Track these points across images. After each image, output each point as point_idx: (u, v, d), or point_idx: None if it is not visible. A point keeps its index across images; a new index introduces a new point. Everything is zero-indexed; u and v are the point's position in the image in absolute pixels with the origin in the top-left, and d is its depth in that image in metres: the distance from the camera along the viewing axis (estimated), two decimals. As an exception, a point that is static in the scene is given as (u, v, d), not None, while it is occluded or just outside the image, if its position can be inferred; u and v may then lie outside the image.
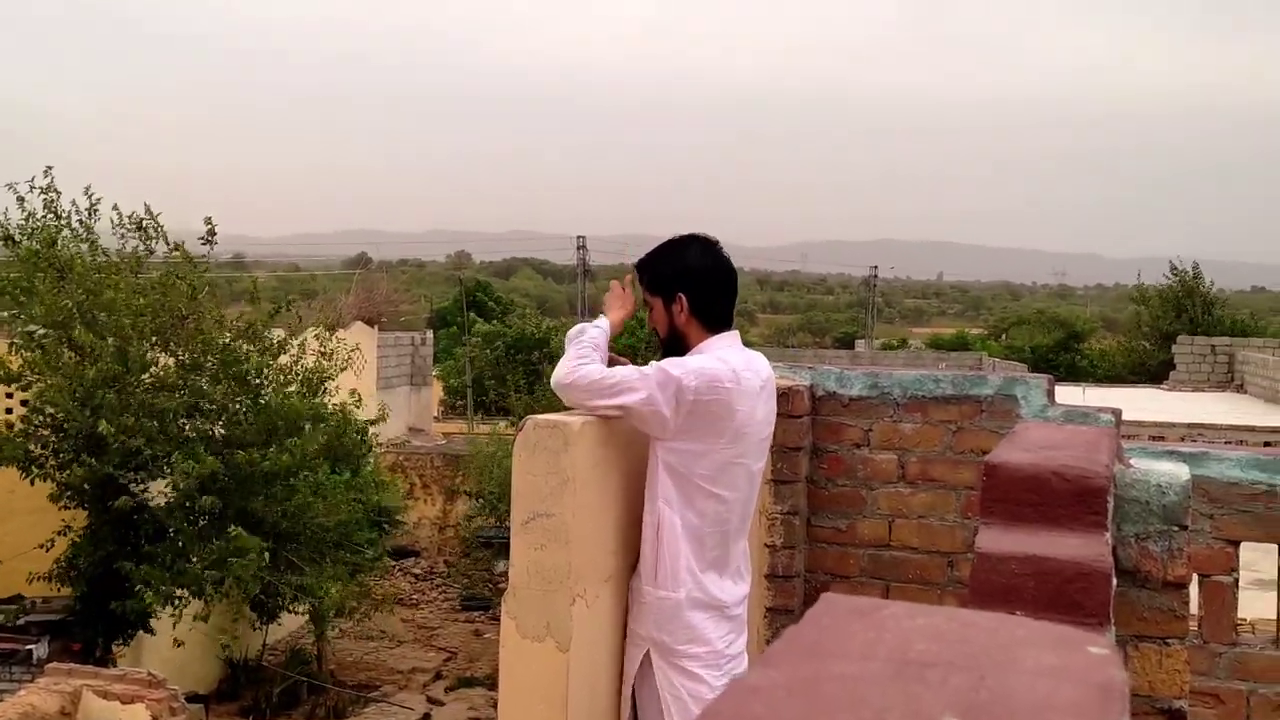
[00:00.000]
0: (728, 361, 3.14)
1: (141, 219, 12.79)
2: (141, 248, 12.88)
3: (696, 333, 3.26)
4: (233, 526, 11.26)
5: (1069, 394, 12.46)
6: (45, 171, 12.58)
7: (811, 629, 0.84)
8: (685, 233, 3.39)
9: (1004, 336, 48.51)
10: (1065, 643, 0.82)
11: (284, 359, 12.98)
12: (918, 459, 4.23)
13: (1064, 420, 3.87)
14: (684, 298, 3.24)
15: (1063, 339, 40.18)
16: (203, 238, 12.93)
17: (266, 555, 11.45)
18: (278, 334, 13.19)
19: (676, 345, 3.28)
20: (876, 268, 58.43)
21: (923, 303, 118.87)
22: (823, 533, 4.34)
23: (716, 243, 3.37)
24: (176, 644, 11.67)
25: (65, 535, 12.23)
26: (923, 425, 4.23)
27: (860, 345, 41.20)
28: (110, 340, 11.44)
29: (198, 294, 12.47)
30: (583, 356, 3.15)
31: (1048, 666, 0.76)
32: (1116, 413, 3.89)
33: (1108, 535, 1.99)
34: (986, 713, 0.67)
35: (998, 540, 1.90)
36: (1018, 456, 2.13)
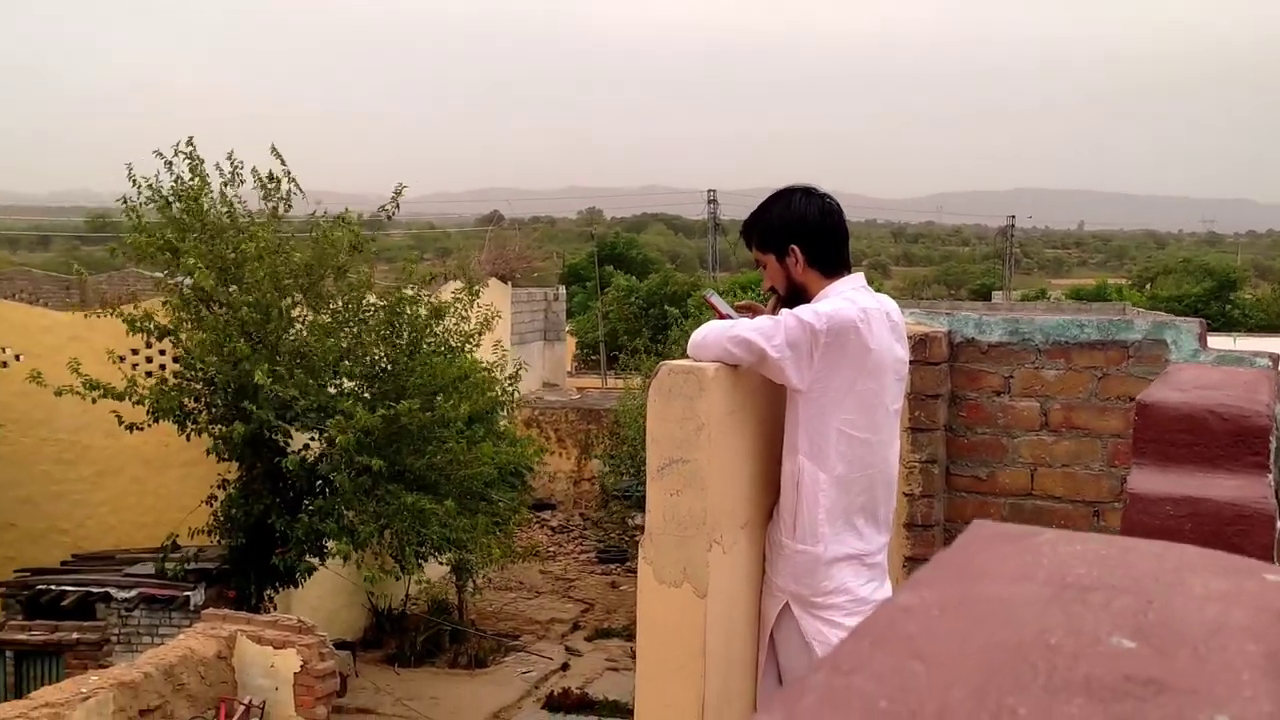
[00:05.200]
0: (856, 301, 3.10)
1: (273, 173, 13.29)
2: (281, 206, 13.36)
3: (816, 281, 3.22)
4: (395, 485, 11.76)
5: (1220, 344, 11.93)
6: (188, 140, 13.03)
7: (961, 554, 0.81)
8: (782, 186, 3.33)
9: (1148, 286, 46.87)
10: (1238, 569, 0.77)
11: (428, 309, 13.41)
12: (1061, 406, 4.11)
13: (1217, 364, 3.71)
14: (797, 249, 3.21)
15: (1212, 288, 38.59)
16: (386, 208, 13.85)
17: (456, 516, 12.04)
18: (431, 295, 13.71)
19: (798, 299, 3.23)
20: (1014, 217, 56.93)
21: (1062, 253, 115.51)
22: (962, 481, 4.26)
23: (816, 189, 3.32)
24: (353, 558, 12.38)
25: (223, 489, 12.74)
26: (1066, 372, 4.10)
27: (997, 297, 40.17)
28: (251, 295, 11.84)
29: (362, 249, 13.14)
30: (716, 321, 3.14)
31: (1218, 591, 0.72)
32: (1275, 357, 3.72)
33: (1270, 477, 1.90)
34: (1156, 635, 0.64)
35: (1151, 481, 1.83)
36: (1171, 395, 2.04)
